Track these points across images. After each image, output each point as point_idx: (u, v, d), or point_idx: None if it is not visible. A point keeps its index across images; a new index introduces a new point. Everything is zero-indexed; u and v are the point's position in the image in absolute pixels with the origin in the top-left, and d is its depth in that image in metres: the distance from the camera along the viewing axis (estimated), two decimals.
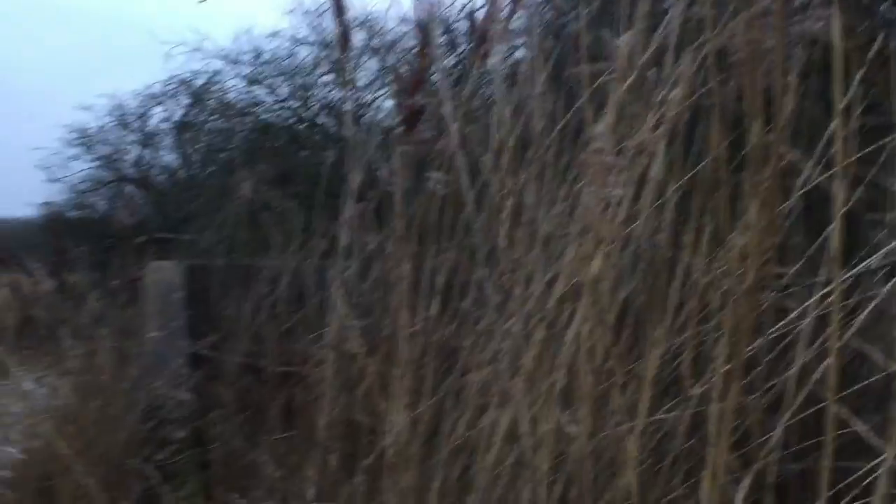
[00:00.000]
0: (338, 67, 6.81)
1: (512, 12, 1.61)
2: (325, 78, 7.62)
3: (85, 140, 11.07)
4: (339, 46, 1.96)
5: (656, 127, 1.13)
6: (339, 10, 1.90)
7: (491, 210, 1.53)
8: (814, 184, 1.27)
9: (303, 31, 7.85)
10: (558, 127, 1.43)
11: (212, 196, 7.19)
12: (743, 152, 1.17)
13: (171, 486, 2.79)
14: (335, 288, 2.03)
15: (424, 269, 1.73)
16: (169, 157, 10.49)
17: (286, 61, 7.94)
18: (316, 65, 7.67)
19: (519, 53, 1.91)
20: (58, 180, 11.51)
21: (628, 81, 1.17)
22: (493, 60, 1.62)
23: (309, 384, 2.29)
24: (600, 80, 1.38)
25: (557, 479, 1.27)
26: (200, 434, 3.08)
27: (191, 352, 3.47)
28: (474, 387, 1.64)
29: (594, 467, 1.20)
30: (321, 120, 7.62)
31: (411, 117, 1.04)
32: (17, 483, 3.32)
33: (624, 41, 1.22)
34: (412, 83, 1.01)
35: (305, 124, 7.74)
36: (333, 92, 7.54)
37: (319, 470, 1.93)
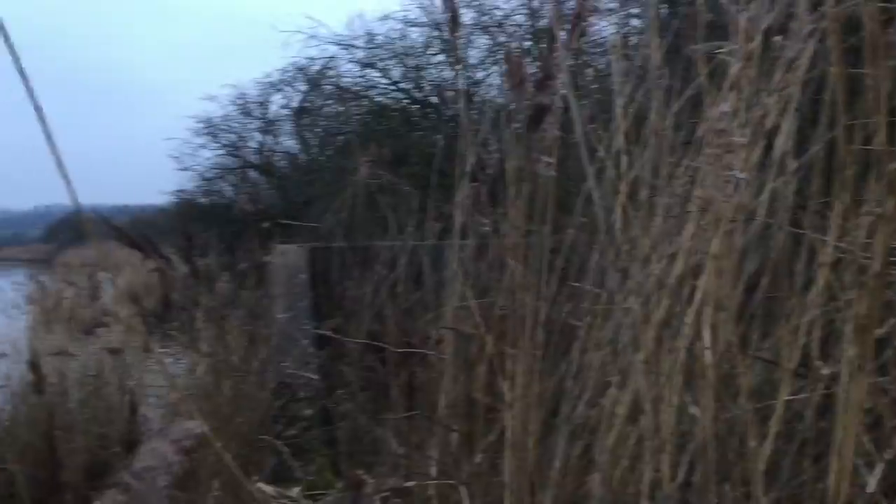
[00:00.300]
0: (449, 47, 6.84)
1: None
2: (437, 58, 7.68)
3: (211, 129, 11.58)
4: (449, 28, 1.95)
5: (780, 101, 1.08)
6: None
7: (607, 187, 1.51)
8: None
9: (413, 13, 7.92)
10: (676, 103, 1.39)
11: (330, 179, 7.39)
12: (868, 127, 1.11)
13: (300, 462, 2.91)
14: (451, 268, 2.06)
15: (541, 248, 1.72)
16: (289, 143, 10.86)
17: (398, 43, 8.04)
18: (427, 45, 7.74)
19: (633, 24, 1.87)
20: (187, 168, 12.11)
21: (749, 52, 1.13)
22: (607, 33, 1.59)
23: (429, 363, 2.33)
24: (720, 51, 1.34)
25: (681, 462, 1.25)
26: (327, 412, 3.19)
27: (315, 332, 3.59)
28: (594, 366, 1.63)
29: (718, 450, 1.18)
30: (434, 100, 7.69)
31: (537, 115, 1.03)
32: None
33: (744, 10, 1.17)
34: (539, 81, 1.00)
35: (418, 105, 7.82)
36: (445, 72, 7.58)
37: (441, 448, 1.97)
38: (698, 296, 1.20)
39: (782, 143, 1.15)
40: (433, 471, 1.97)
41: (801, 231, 1.16)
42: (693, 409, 1.32)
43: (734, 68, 1.15)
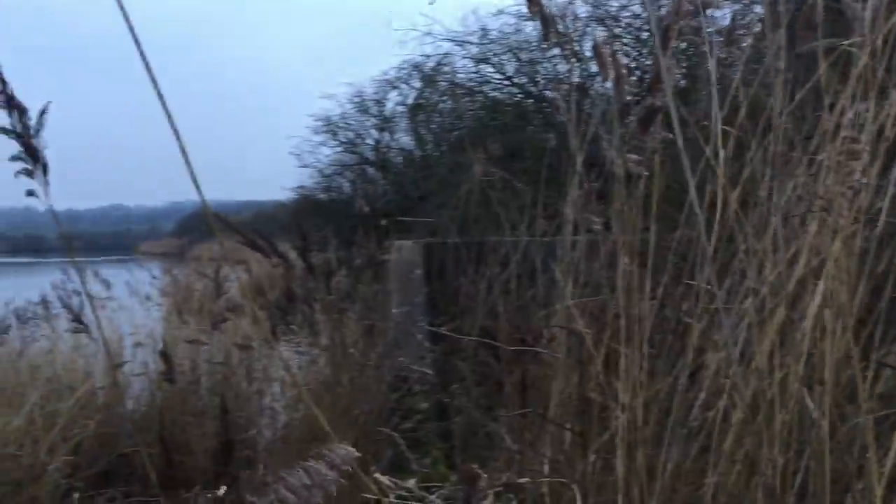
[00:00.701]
0: (563, 40, 6.77)
1: None
2: (552, 52, 7.62)
3: (330, 127, 11.92)
4: (542, 38, 1.95)
5: None
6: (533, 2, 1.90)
7: (720, 187, 1.48)
8: None
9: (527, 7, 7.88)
10: (794, 100, 1.35)
11: (444, 175, 7.47)
12: None
13: (416, 455, 2.97)
14: (561, 267, 2.06)
15: (653, 247, 1.71)
16: (404, 139, 11.05)
17: (512, 38, 8.04)
18: (542, 39, 7.69)
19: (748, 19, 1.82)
20: (307, 166, 12.51)
21: (870, 49, 1.08)
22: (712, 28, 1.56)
23: (543, 360, 2.34)
24: (842, 43, 1.29)
25: (798, 469, 1.22)
26: (442, 406, 3.24)
27: (431, 328, 3.65)
28: (709, 368, 1.61)
29: (837, 458, 1.14)
30: (548, 94, 7.65)
31: (647, 118, 1.02)
32: (282, 448, 3.71)
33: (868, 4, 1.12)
34: (651, 83, 0.99)
35: (532, 100, 7.79)
36: (560, 65, 7.53)
37: (554, 446, 1.98)
38: (818, 299, 1.17)
39: None
40: (546, 468, 1.98)
41: None
42: (814, 413, 1.29)
43: (859, 65, 1.11)
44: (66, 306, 4.62)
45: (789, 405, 1.25)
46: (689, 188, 1.42)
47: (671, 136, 1.14)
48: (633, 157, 1.26)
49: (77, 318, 3.18)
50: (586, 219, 2.17)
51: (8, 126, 1.32)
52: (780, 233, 1.22)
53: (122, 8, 1.02)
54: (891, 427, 1.22)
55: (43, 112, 1.33)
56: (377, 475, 2.70)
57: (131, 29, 1.05)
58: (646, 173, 1.24)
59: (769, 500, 1.22)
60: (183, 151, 1.13)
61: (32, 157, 1.31)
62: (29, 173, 1.33)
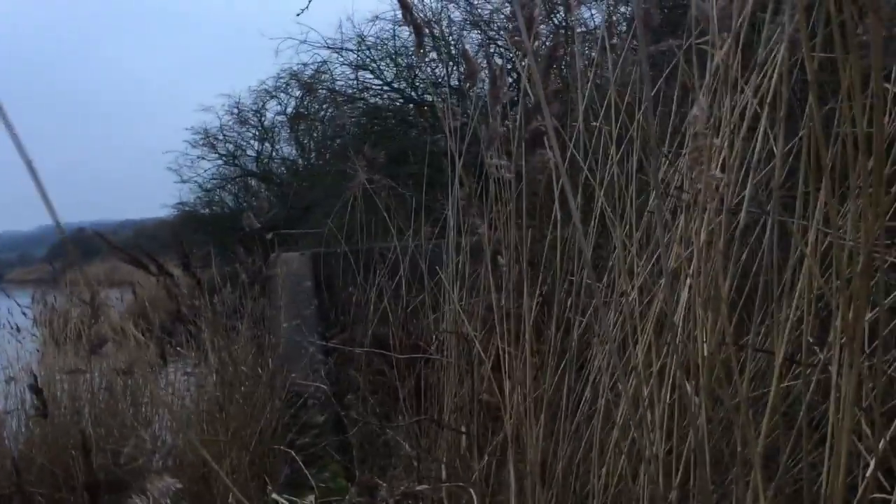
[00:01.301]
0: (439, 45, 6.83)
1: None
2: (430, 56, 7.67)
3: (208, 139, 11.61)
4: (416, 47, 1.96)
5: (757, 98, 1.09)
6: (404, 5, 1.91)
7: (594, 184, 1.52)
8: None
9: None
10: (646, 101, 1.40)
11: (329, 184, 7.41)
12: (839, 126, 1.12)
13: (313, 469, 2.92)
14: (446, 272, 2.07)
15: (530, 246, 1.74)
16: (287, 149, 10.89)
17: (389, 44, 8.05)
18: (416, 47, 7.73)
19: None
20: (186, 181, 12.15)
21: (724, 48, 1.14)
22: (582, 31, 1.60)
23: (434, 366, 2.35)
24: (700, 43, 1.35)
25: (681, 456, 1.26)
26: (338, 418, 3.20)
27: (323, 339, 3.61)
28: (594, 361, 1.65)
29: (715, 442, 1.19)
30: (429, 98, 7.69)
31: (533, 140, 1.04)
32: (178, 469, 3.57)
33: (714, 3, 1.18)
34: (535, 105, 1.01)
35: (413, 104, 7.82)
36: (439, 69, 7.58)
37: (450, 451, 1.99)
38: (686, 291, 1.22)
39: (763, 135, 1.15)
40: (443, 473, 1.98)
41: (787, 220, 1.17)
42: (693, 399, 1.34)
43: (711, 62, 1.16)
44: None
45: (669, 395, 1.29)
46: (565, 186, 1.45)
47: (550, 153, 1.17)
48: (501, 161, 1.28)
49: None
50: (468, 221, 2.19)
51: None
52: (653, 226, 1.26)
53: None
54: (764, 406, 1.28)
55: None
56: (274, 495, 2.64)
57: None
58: (511, 176, 1.25)
59: (654, 490, 1.25)
60: (33, 173, 1.07)
61: None
62: None
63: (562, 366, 1.70)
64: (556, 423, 1.59)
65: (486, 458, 1.76)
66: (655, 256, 1.34)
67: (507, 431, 1.57)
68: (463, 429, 1.93)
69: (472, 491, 1.69)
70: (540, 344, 1.83)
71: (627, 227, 1.42)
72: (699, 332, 1.26)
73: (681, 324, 1.27)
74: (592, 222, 1.58)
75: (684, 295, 1.27)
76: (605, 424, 1.47)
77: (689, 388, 1.32)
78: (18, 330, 5.68)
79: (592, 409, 1.62)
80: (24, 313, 6.66)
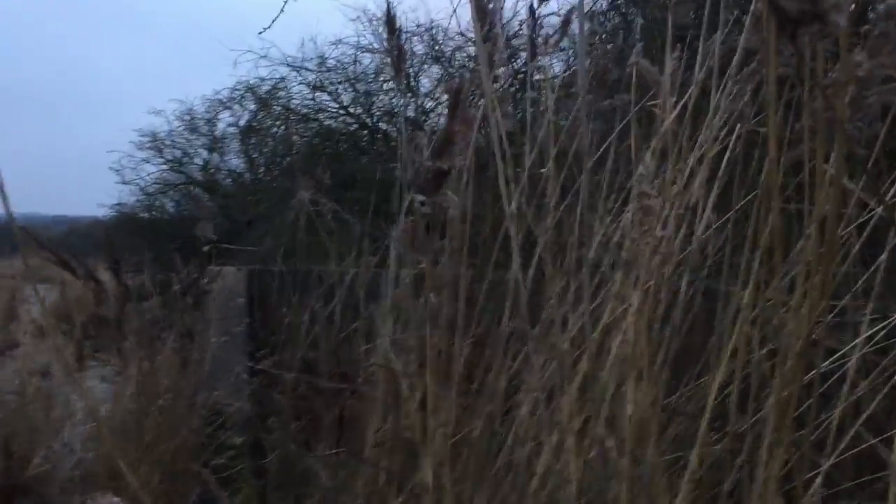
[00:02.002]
0: (398, 77, 6.84)
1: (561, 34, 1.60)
2: (388, 85, 7.69)
3: (156, 143, 11.40)
4: (393, 67, 1.96)
5: (702, 160, 1.11)
6: (391, 28, 1.91)
7: (535, 235, 1.52)
8: (871, 215, 1.24)
9: (367, 38, 7.94)
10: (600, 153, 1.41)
11: (274, 201, 7.32)
12: (796, 181, 1.14)
13: (227, 492, 2.84)
14: (383, 305, 2.05)
15: (473, 289, 1.73)
16: (235, 162, 10.74)
17: (350, 68, 8.04)
18: (379, 72, 7.75)
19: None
20: (128, 182, 11.88)
21: (674, 112, 1.15)
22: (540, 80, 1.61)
23: (360, 398, 2.31)
24: (646, 106, 1.37)
25: None
26: (257, 441, 3.13)
27: (250, 358, 3.54)
28: (520, 410, 1.64)
29: (635, 499, 1.19)
30: (383, 126, 7.70)
31: (435, 179, 1.04)
32: (86, 481, 3.45)
33: (667, 69, 1.20)
34: (439, 145, 1.00)
35: (367, 131, 7.81)
36: (396, 98, 7.60)
37: (368, 485, 1.95)
38: (615, 349, 1.22)
39: (705, 201, 1.17)
40: None
41: (720, 287, 1.18)
42: (614, 455, 1.33)
43: (660, 125, 1.18)
44: None
45: (589, 449, 1.29)
46: (509, 227, 1.45)
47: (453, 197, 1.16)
48: (421, 198, 1.27)
49: None
50: (410, 255, 2.17)
51: None
52: (586, 283, 1.27)
53: None
54: (682, 468, 1.29)
55: None
56: None
57: None
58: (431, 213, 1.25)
59: None
60: None
61: None
62: None
63: (487, 408, 1.69)
64: (476, 468, 1.58)
65: (404, 497, 1.73)
66: (586, 311, 1.34)
67: (426, 472, 1.55)
68: (382, 465, 1.89)
69: None
70: (469, 385, 1.81)
71: (565, 278, 1.43)
72: (627, 388, 1.26)
73: (609, 379, 1.27)
74: (531, 269, 1.58)
75: (614, 350, 1.27)
76: (526, 473, 1.46)
77: (610, 444, 1.32)
78: None
79: (515, 455, 1.61)
80: None
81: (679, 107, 1.19)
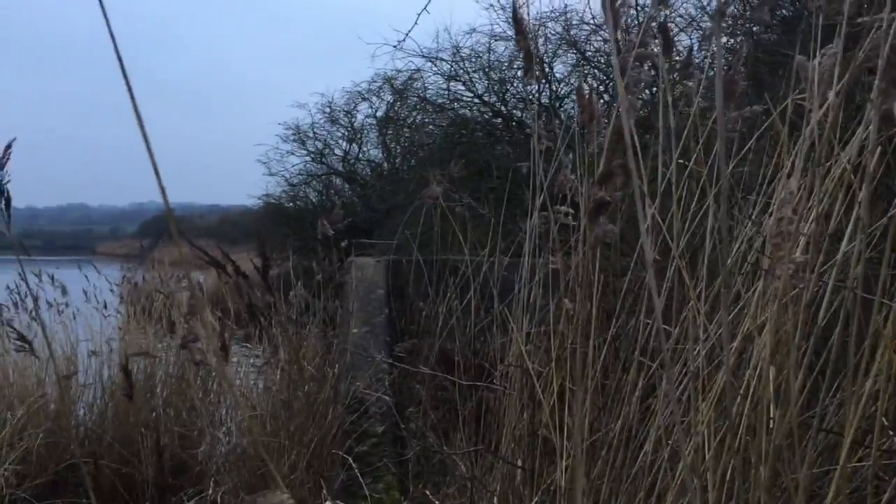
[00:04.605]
0: (531, 64, 6.79)
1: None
2: (522, 72, 7.64)
3: (299, 136, 11.87)
4: (524, 72, 1.96)
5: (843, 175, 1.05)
6: (518, 29, 1.92)
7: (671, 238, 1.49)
8: None
9: (500, 27, 7.94)
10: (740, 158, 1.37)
11: (410, 190, 7.47)
12: None
13: (369, 479, 2.95)
14: (517, 302, 2.06)
15: (607, 291, 1.72)
16: (373, 152, 11.05)
17: (484, 57, 8.07)
18: (513, 60, 7.74)
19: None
20: (275, 174, 12.43)
21: (820, 112, 1.10)
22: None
23: (497, 392, 2.34)
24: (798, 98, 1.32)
25: None
26: (397, 430, 3.22)
27: (390, 348, 3.63)
28: (659, 412, 1.62)
29: None
30: (518, 114, 7.69)
31: (596, 210, 1.02)
32: (240, 463, 3.66)
33: (818, 63, 1.14)
34: (601, 177, 0.99)
35: (501, 119, 7.83)
36: (529, 87, 7.56)
37: (504, 481, 1.98)
38: (761, 356, 1.18)
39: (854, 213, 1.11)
40: (496, 501, 1.98)
41: (870, 297, 1.13)
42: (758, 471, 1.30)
43: (806, 128, 1.13)
44: (11, 326, 4.53)
45: (731, 456, 1.26)
46: (642, 233, 1.43)
47: (614, 229, 1.15)
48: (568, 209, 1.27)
49: (22, 338, 3.12)
50: (544, 250, 2.17)
51: None
52: (725, 290, 1.23)
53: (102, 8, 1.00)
54: (829, 482, 1.24)
55: (8, 146, 1.32)
56: (328, 502, 2.68)
57: (109, 27, 1.03)
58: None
59: None
60: (150, 154, 1.11)
61: None
62: None
63: (625, 410, 1.68)
64: (613, 470, 1.57)
65: (540, 496, 1.75)
66: (728, 316, 1.31)
67: (562, 472, 1.56)
68: (519, 463, 1.92)
69: None
70: (605, 384, 1.81)
71: (702, 282, 1.40)
72: (768, 392, 1.23)
73: (750, 387, 1.24)
74: (668, 272, 1.56)
75: (755, 359, 1.24)
76: (663, 478, 1.44)
77: (752, 457, 1.29)
78: (105, 306, 5.91)
79: (653, 458, 1.59)
80: (111, 290, 6.92)
81: (828, 103, 1.13)
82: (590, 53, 6.60)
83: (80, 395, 5.00)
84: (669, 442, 1.49)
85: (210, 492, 3.39)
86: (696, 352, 1.31)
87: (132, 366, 4.93)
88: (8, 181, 1.30)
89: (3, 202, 1.31)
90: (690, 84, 1.74)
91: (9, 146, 1.31)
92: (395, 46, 8.44)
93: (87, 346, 5.32)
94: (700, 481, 1.39)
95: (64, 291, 6.10)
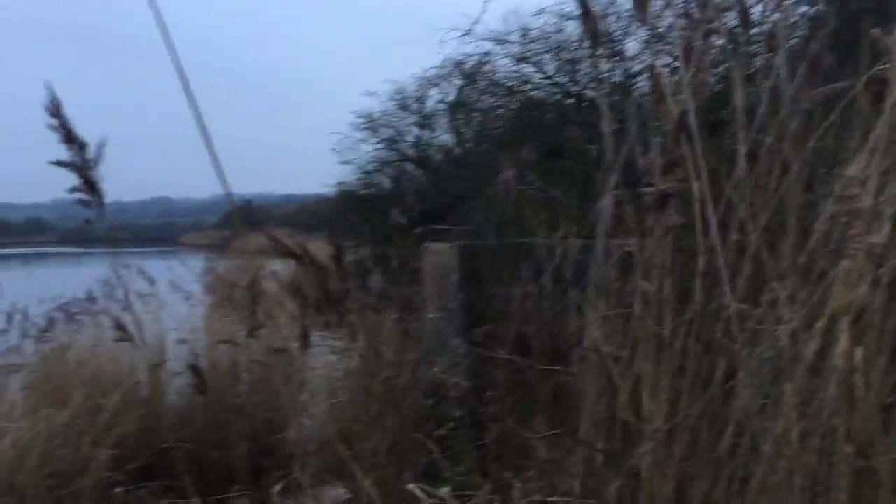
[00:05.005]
0: (604, 40, 6.69)
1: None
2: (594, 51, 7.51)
3: (371, 124, 11.97)
4: (591, 53, 1.94)
5: None
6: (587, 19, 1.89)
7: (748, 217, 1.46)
8: None
9: (569, 6, 7.83)
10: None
11: (483, 174, 7.45)
12: None
13: (450, 462, 2.98)
14: (592, 285, 2.05)
15: (683, 271, 1.69)
16: (444, 137, 11.05)
17: (553, 37, 7.97)
18: (583, 39, 7.62)
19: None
20: (348, 162, 12.58)
21: None
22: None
23: (574, 375, 2.33)
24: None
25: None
26: (475, 413, 3.24)
27: (466, 333, 3.66)
28: (741, 393, 1.59)
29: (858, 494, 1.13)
30: (589, 94, 7.57)
31: (662, 200, 1.01)
32: (323, 447, 3.74)
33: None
34: (665, 166, 0.97)
35: (573, 99, 7.73)
36: (602, 65, 7.44)
37: (584, 465, 1.97)
38: (845, 338, 1.15)
39: None
40: (576, 488, 1.98)
41: None
42: (845, 448, 1.27)
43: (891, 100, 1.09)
44: (110, 315, 4.72)
45: (816, 442, 1.23)
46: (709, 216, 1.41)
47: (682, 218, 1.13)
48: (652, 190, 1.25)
49: (120, 327, 3.26)
50: (619, 230, 2.14)
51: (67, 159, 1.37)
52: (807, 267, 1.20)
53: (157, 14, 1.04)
54: None
55: (101, 146, 1.38)
56: (411, 485, 2.72)
57: (166, 34, 1.07)
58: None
59: None
60: (209, 147, 1.15)
61: (90, 188, 1.36)
62: (86, 203, 1.38)
63: (706, 393, 1.65)
64: (695, 453, 1.55)
65: (621, 480, 1.74)
66: (815, 294, 1.28)
67: (643, 456, 1.55)
68: (598, 446, 1.91)
69: None
70: (683, 366, 1.78)
71: (785, 260, 1.36)
72: (856, 379, 1.20)
73: (837, 370, 1.21)
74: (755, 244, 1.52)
75: (843, 340, 1.20)
76: (748, 461, 1.42)
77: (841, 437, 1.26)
78: (189, 297, 6.12)
79: (736, 441, 1.57)
80: (196, 281, 7.15)
81: None
82: (662, 30, 6.44)
83: (170, 382, 5.20)
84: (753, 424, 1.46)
85: (296, 475, 3.47)
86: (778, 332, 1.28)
87: (217, 353, 5.11)
88: (101, 181, 1.37)
89: (97, 199, 1.38)
90: (771, 56, 1.70)
91: (101, 146, 1.36)
92: (465, 33, 8.43)
93: (174, 335, 5.52)
94: (786, 464, 1.37)
95: (152, 282, 6.34)
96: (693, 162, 1.23)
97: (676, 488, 1.50)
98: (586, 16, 1.82)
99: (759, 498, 1.38)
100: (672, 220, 1.10)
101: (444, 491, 2.84)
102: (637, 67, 6.97)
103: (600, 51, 2.21)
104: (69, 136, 1.36)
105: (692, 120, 1.16)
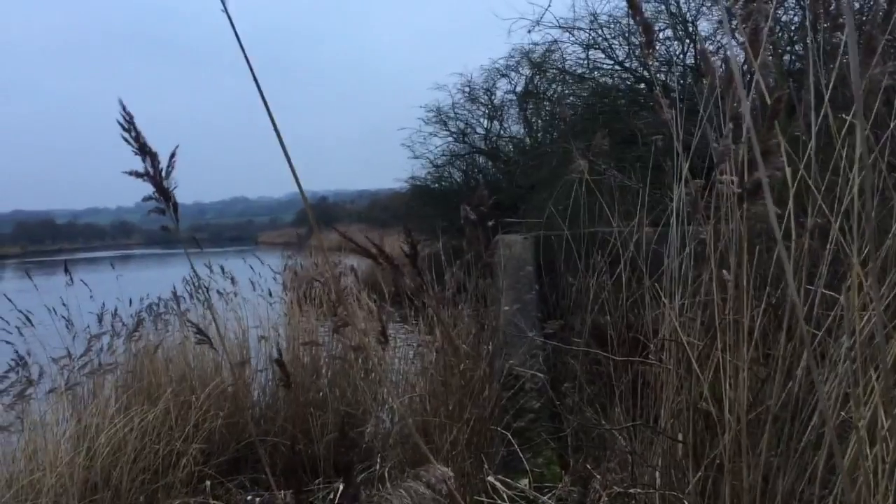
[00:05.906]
0: (677, 21, 6.58)
1: None
2: (665, 34, 7.40)
3: (440, 117, 12.02)
4: (644, 45, 1.91)
5: None
6: (635, 11, 1.86)
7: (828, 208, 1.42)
8: None
9: None
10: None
11: (554, 164, 7.40)
12: None
13: (528, 454, 2.98)
14: (668, 276, 2.02)
15: (762, 260, 1.66)
16: (515, 128, 11.04)
17: (622, 22, 7.86)
18: (654, 21, 7.49)
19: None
20: (419, 156, 12.67)
21: None
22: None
23: (653, 365, 2.31)
24: None
25: None
26: (553, 405, 3.23)
27: (542, 324, 3.64)
28: (827, 381, 1.55)
29: None
30: (662, 78, 7.44)
31: (752, 191, 0.99)
32: (401, 441, 3.80)
33: None
34: (759, 155, 0.96)
35: (645, 84, 7.61)
36: (674, 47, 7.31)
37: (665, 456, 1.95)
38: None
39: None
40: (657, 480, 1.96)
41: None
42: None
43: None
44: (189, 321, 4.87)
45: None
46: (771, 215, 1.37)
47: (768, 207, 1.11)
48: (733, 178, 1.23)
49: (199, 331, 3.37)
50: (693, 219, 2.11)
51: (141, 170, 1.43)
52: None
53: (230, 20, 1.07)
54: None
55: (172, 155, 1.43)
56: (490, 478, 2.73)
57: (237, 36, 1.10)
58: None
59: None
60: (283, 148, 1.18)
61: (164, 196, 1.41)
62: (161, 211, 1.43)
63: (789, 384, 1.62)
64: (780, 443, 1.52)
65: (703, 470, 1.71)
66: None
67: (725, 447, 1.53)
68: (679, 437, 1.89)
69: (686, 503, 1.66)
70: (766, 356, 1.74)
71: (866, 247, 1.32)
72: None
73: None
74: (832, 236, 1.48)
75: None
76: (831, 455, 1.39)
77: None
78: (270, 294, 6.25)
79: (821, 431, 1.53)
80: (274, 278, 7.31)
81: None
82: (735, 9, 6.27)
83: (254, 379, 5.34)
84: (841, 414, 1.42)
85: (377, 468, 3.53)
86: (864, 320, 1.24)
87: (298, 350, 5.23)
88: (175, 187, 1.42)
89: (171, 206, 1.43)
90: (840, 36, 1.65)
91: (173, 155, 1.42)
92: (536, 23, 8.38)
93: (256, 333, 5.66)
94: (874, 453, 1.33)
95: (233, 281, 6.50)
96: (781, 149, 1.20)
97: (760, 480, 1.47)
98: (633, 9, 1.80)
99: (845, 491, 1.34)
100: (759, 207, 1.08)
101: (524, 483, 2.85)
102: (711, 48, 6.82)
103: (648, 56, 2.17)
104: (142, 148, 1.41)
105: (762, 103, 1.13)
